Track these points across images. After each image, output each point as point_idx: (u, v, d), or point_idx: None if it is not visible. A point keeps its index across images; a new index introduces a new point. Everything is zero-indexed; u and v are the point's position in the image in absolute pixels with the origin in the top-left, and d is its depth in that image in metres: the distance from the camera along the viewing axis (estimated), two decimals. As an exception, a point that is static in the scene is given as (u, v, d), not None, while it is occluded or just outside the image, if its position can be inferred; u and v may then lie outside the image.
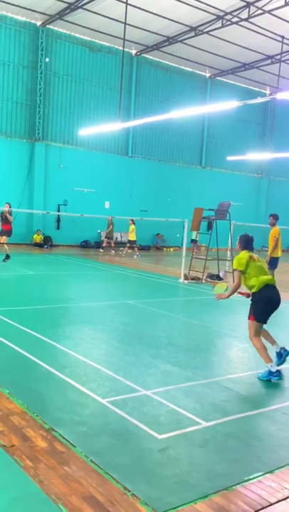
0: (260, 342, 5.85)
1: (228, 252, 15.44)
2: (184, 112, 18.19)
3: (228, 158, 28.48)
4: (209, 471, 3.59)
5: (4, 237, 16.34)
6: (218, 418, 4.49)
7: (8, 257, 15.76)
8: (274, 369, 5.70)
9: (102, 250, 23.03)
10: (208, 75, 28.96)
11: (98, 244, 25.07)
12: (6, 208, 16.15)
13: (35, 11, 21.65)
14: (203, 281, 14.10)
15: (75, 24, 22.64)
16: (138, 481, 3.37)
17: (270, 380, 5.67)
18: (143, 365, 6.01)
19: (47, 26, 23.01)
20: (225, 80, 29.44)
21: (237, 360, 6.77)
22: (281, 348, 5.98)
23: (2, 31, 22.20)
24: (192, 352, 6.75)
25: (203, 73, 28.80)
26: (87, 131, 22.02)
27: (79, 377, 5.31)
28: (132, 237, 21.20)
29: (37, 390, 4.91)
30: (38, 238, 23.02)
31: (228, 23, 21.02)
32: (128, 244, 21.70)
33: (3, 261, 15.50)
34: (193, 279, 14.16)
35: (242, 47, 23.96)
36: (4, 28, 22.24)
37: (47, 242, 23.24)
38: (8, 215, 16.31)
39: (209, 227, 14.71)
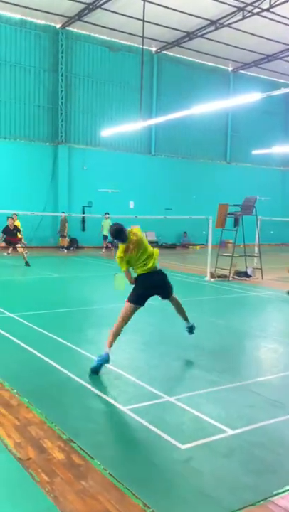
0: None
1: (256, 248, 15.06)
2: (207, 107, 17.84)
3: (254, 152, 27.92)
4: (235, 484, 3.36)
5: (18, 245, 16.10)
6: (245, 425, 4.25)
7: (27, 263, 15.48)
8: (104, 353, 5.55)
9: (65, 251, 22.01)
10: (230, 68, 28.50)
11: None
12: (11, 222, 15.70)
13: (54, 13, 21.71)
14: (230, 278, 13.79)
15: (94, 24, 22.61)
16: (158, 496, 3.17)
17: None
18: (167, 368, 5.81)
19: (66, 28, 23.05)
20: (248, 73, 28.91)
21: (266, 362, 6.49)
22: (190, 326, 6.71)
23: (23, 36, 22.37)
24: (218, 354, 6.51)
25: (226, 67, 28.37)
26: (110, 131, 21.94)
27: (100, 384, 5.16)
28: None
29: (56, 398, 4.77)
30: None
31: (249, 14, 20.58)
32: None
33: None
34: (219, 276, 13.86)
35: (264, 38, 23.47)
36: (24, 32, 22.40)
37: (73, 244, 23.24)
38: (18, 233, 15.84)
39: (236, 223, 14.37)
